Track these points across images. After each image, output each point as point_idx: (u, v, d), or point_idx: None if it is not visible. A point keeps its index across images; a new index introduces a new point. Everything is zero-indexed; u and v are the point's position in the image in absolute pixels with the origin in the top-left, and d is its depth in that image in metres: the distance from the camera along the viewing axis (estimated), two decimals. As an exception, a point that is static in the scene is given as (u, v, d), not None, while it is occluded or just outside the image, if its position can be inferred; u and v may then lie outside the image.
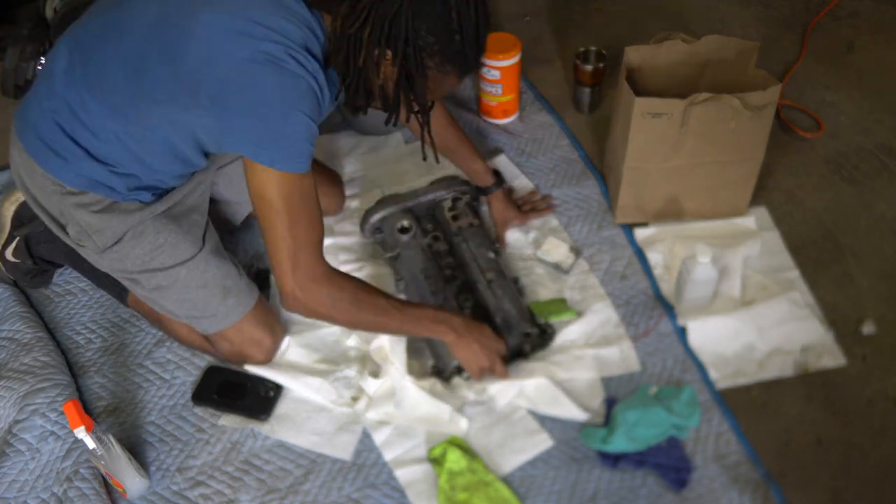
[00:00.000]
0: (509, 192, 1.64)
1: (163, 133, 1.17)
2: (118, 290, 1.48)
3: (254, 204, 1.13)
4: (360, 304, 1.21)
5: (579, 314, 1.45)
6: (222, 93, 1.05)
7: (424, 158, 1.27)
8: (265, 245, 1.15)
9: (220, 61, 1.04)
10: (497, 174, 1.61)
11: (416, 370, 1.37)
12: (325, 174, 1.63)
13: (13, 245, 1.51)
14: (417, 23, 1.03)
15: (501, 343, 1.35)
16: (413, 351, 1.39)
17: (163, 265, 1.30)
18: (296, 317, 1.49)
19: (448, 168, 1.73)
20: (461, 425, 1.31)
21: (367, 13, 1.03)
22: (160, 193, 1.30)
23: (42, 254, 1.52)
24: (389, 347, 1.35)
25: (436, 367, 1.39)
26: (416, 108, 1.16)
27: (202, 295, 1.33)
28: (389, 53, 1.06)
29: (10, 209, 1.52)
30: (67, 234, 1.29)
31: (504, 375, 1.33)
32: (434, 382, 1.35)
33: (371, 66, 1.08)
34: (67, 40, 1.19)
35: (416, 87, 1.11)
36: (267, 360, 1.41)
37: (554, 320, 1.44)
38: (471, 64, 1.11)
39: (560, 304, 1.47)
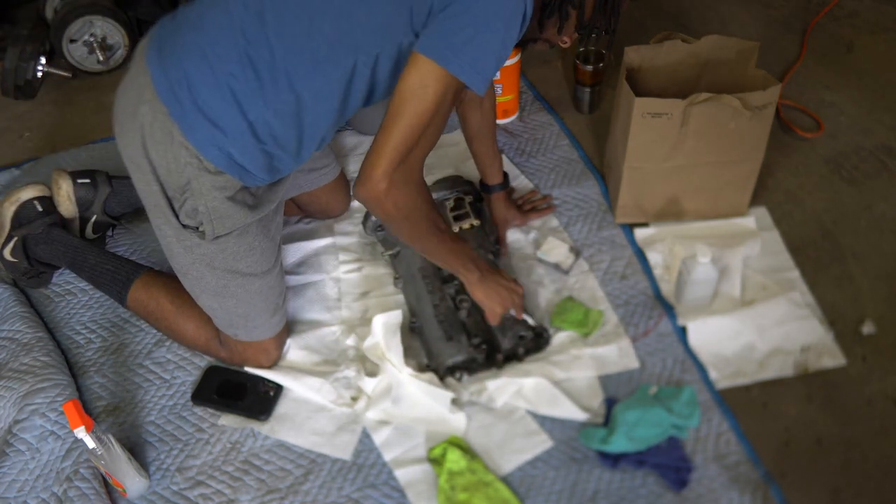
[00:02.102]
0: (510, 193, 1.64)
1: (350, 66, 1.12)
2: (118, 292, 1.47)
3: (399, 93, 1.07)
4: (429, 220, 1.20)
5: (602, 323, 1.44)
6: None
7: (604, 68, 1.32)
8: (382, 125, 1.08)
9: None
10: (505, 176, 1.61)
11: (411, 368, 1.37)
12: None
13: (11, 244, 1.51)
14: None
15: (520, 287, 1.39)
16: (407, 350, 1.39)
17: (247, 270, 1.29)
18: (296, 318, 1.49)
19: (449, 168, 1.73)
20: (460, 421, 1.31)
21: None
22: (281, 175, 1.26)
23: (40, 256, 1.52)
24: (385, 344, 1.36)
25: (430, 367, 1.39)
26: (604, 29, 1.19)
27: (260, 308, 1.34)
28: None
29: (10, 209, 1.52)
30: (174, 210, 1.22)
31: (521, 315, 1.38)
32: (432, 376, 1.35)
33: None
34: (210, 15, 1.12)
35: (615, 9, 1.16)
36: (269, 367, 1.41)
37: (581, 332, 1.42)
38: None
39: (583, 315, 1.44)
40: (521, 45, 1.23)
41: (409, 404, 1.34)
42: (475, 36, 1.05)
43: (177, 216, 1.23)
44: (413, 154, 1.09)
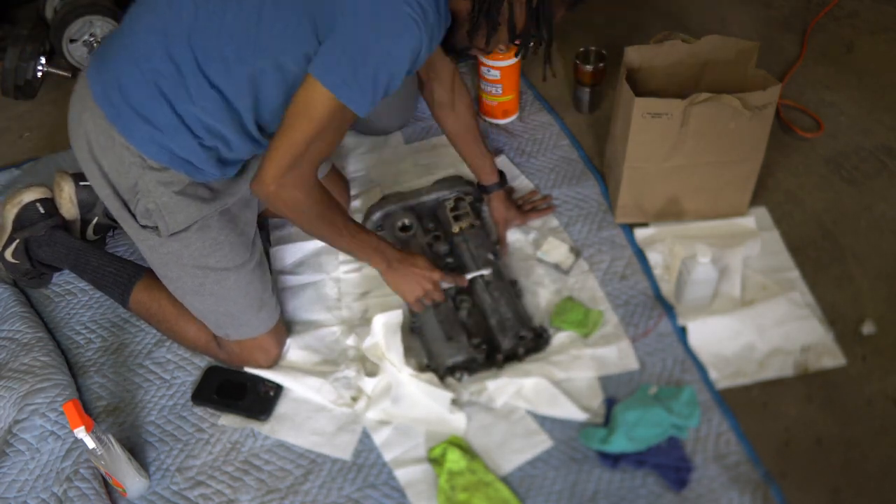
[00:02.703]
0: (510, 192, 1.64)
1: (256, 68, 1.14)
2: (120, 294, 1.47)
3: (291, 106, 1.11)
4: (321, 218, 1.24)
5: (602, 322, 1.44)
6: (340, 15, 1.04)
7: (544, 79, 1.28)
8: (277, 131, 1.13)
9: None
10: (501, 174, 1.61)
11: (411, 368, 1.37)
12: (332, 175, 1.63)
13: (13, 246, 1.51)
14: None
15: (436, 271, 1.39)
16: (407, 350, 1.39)
17: (217, 265, 1.29)
18: (296, 318, 1.49)
19: (450, 168, 1.73)
20: (460, 421, 1.31)
21: None
22: (236, 168, 1.29)
23: (42, 257, 1.52)
24: (385, 344, 1.36)
25: (429, 367, 1.39)
26: (535, 39, 1.18)
27: (242, 304, 1.34)
28: None
29: (11, 212, 1.51)
30: (131, 212, 1.25)
31: (442, 298, 1.38)
32: (431, 376, 1.35)
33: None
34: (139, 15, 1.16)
35: (546, 18, 1.14)
36: (270, 367, 1.41)
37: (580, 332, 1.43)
38: None
39: (583, 315, 1.44)
40: (454, 54, 1.22)
41: (409, 404, 1.34)
42: (359, 61, 1.06)
43: (134, 218, 1.26)
44: (303, 161, 1.14)
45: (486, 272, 1.47)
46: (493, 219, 1.61)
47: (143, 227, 1.26)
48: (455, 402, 1.33)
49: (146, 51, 1.15)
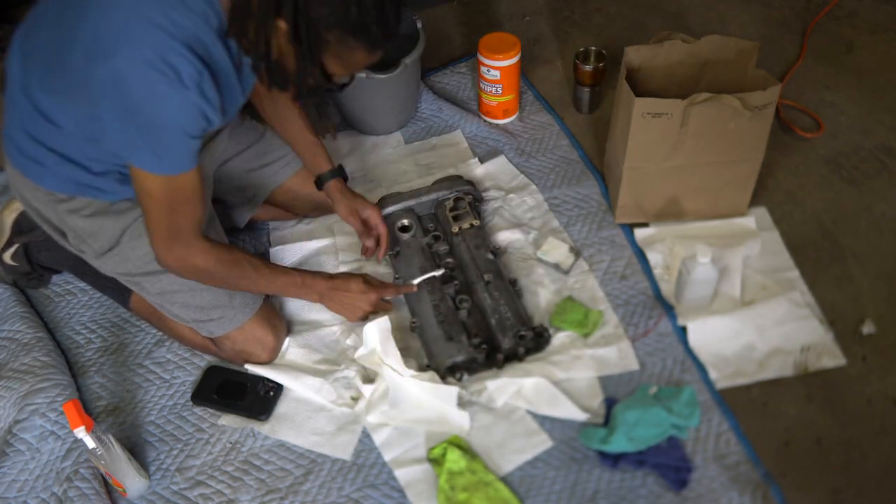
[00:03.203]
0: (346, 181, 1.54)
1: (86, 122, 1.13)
2: (120, 294, 1.47)
3: (135, 191, 1.12)
4: (231, 274, 1.25)
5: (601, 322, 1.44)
6: (99, 93, 1.01)
7: (322, 136, 1.24)
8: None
9: (99, 61, 0.99)
10: (340, 167, 1.51)
11: (412, 369, 1.37)
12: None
13: (12, 250, 1.51)
14: (313, 13, 0.97)
15: (373, 291, 1.38)
16: (406, 350, 1.39)
17: (160, 268, 1.29)
18: (296, 317, 1.49)
19: (449, 168, 1.73)
20: (465, 419, 1.31)
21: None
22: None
23: (43, 261, 1.52)
24: (382, 350, 1.35)
25: (430, 367, 1.39)
26: (314, 85, 1.10)
27: (207, 297, 1.33)
28: (283, 25, 1.00)
29: (10, 216, 1.51)
30: (69, 242, 1.29)
31: (388, 309, 1.37)
32: (433, 375, 1.35)
33: (263, 38, 1.02)
34: (19, 42, 1.16)
35: (314, 60, 1.05)
36: (270, 359, 1.41)
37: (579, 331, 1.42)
38: (377, 38, 1.04)
39: (583, 315, 1.44)
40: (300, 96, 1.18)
41: (412, 406, 1.33)
42: (148, 134, 1.04)
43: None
44: (179, 232, 1.16)
45: (437, 273, 1.46)
46: (340, 215, 1.52)
47: (81, 251, 1.29)
48: (459, 400, 1.33)
49: (9, 101, 1.17)
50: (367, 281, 1.41)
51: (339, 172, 1.51)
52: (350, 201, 1.50)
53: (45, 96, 1.12)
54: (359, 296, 1.39)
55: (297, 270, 1.37)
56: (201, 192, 1.15)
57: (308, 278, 1.36)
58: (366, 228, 1.52)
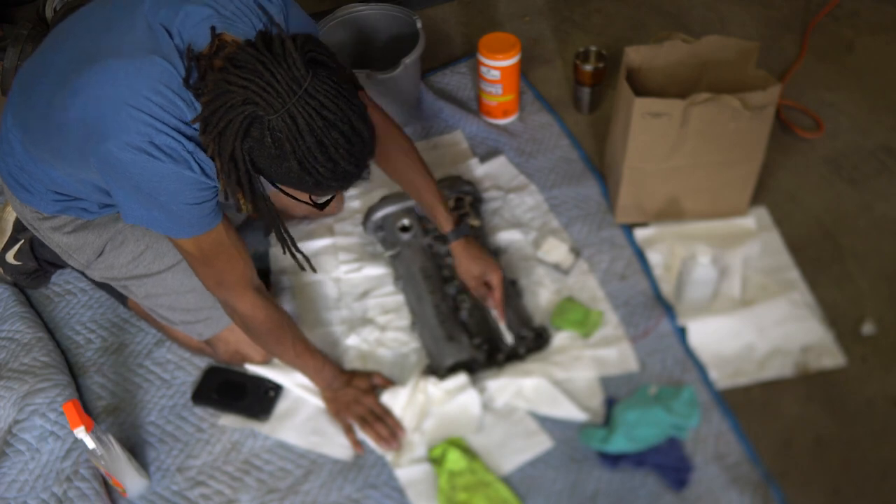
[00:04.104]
0: (474, 239, 1.48)
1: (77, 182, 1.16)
2: (118, 293, 1.48)
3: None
4: (269, 334, 1.25)
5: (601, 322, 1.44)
6: (102, 169, 1.02)
7: (301, 268, 1.21)
8: None
9: (95, 142, 0.99)
10: (460, 218, 1.49)
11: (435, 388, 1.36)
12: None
13: (16, 248, 1.51)
14: (257, 163, 0.96)
15: (368, 397, 1.33)
16: (405, 355, 1.40)
17: (149, 271, 1.30)
18: (297, 318, 1.49)
19: (450, 168, 1.73)
20: (481, 418, 1.32)
21: (214, 138, 0.95)
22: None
23: (47, 256, 1.52)
24: (401, 412, 1.33)
25: (430, 368, 1.39)
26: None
27: (192, 299, 1.33)
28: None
29: (12, 213, 1.51)
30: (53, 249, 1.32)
31: (380, 411, 1.32)
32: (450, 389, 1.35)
33: (225, 167, 0.98)
34: (18, 79, 1.16)
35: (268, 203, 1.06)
36: (266, 360, 1.40)
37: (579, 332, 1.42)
38: (341, 186, 1.00)
39: (583, 315, 1.44)
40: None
41: (437, 426, 1.33)
42: (161, 207, 1.04)
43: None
44: (221, 284, 1.17)
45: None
46: (461, 277, 1.47)
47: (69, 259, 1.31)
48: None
49: (3, 133, 1.19)
50: (374, 384, 1.37)
51: (463, 231, 1.45)
52: (470, 263, 1.44)
53: (44, 154, 1.13)
54: (360, 395, 1.34)
55: (320, 355, 1.34)
56: (235, 242, 1.15)
57: (326, 368, 1.33)
58: (484, 287, 1.45)
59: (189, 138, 1.00)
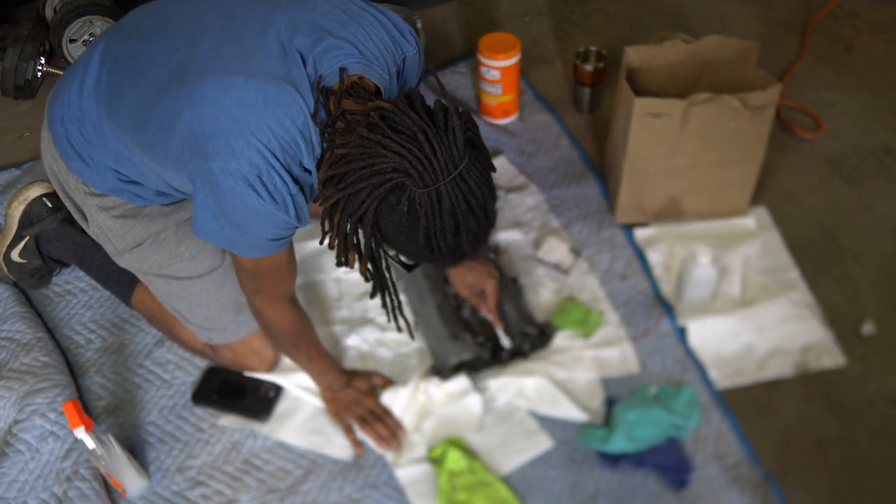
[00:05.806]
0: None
1: (159, 178, 1.12)
2: (123, 292, 1.47)
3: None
4: (289, 338, 1.27)
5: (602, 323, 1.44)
6: (194, 178, 0.98)
7: (399, 329, 1.20)
8: None
9: (197, 155, 0.94)
10: None
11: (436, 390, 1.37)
12: None
13: (21, 246, 1.50)
14: (379, 223, 0.92)
15: (367, 398, 1.34)
16: (405, 355, 1.40)
17: (179, 274, 1.28)
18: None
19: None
20: (481, 417, 1.32)
21: (345, 195, 0.91)
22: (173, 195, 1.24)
23: (51, 252, 1.52)
24: (402, 413, 1.34)
25: (434, 367, 1.39)
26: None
27: (214, 309, 1.33)
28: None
29: (18, 209, 1.50)
30: (89, 227, 1.26)
31: (380, 411, 1.33)
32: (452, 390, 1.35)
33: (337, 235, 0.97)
34: (106, 49, 1.08)
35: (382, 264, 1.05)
36: (267, 371, 1.41)
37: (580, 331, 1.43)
38: (445, 264, 0.99)
39: (584, 315, 1.44)
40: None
41: (437, 425, 1.33)
42: (239, 233, 1.01)
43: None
44: (264, 292, 1.16)
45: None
46: (455, 286, 1.45)
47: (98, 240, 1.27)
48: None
49: (75, 94, 1.10)
50: (374, 384, 1.38)
51: None
52: (464, 272, 1.42)
53: (126, 137, 1.07)
54: (360, 396, 1.35)
55: (330, 359, 1.34)
56: (289, 261, 1.13)
57: (332, 372, 1.34)
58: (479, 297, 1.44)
59: (295, 180, 0.96)
